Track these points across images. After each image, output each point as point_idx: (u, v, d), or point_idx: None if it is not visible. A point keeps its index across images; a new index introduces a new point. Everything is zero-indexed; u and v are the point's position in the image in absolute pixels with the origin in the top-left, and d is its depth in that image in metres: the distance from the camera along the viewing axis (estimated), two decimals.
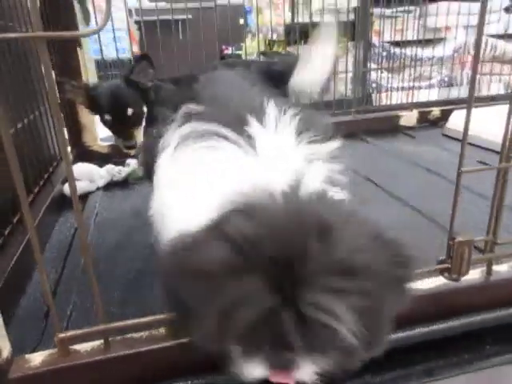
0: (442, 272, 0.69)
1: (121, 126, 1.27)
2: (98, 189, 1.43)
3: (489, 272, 0.72)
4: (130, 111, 1.25)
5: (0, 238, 0.89)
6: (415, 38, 2.63)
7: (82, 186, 1.37)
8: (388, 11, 2.80)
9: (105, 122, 1.28)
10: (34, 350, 0.70)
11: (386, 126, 1.95)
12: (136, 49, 5.53)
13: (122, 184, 1.47)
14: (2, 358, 0.56)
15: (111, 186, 1.46)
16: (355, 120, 1.97)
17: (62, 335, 0.58)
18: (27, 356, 0.60)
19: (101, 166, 1.49)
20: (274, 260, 0.42)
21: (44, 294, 0.55)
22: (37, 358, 0.60)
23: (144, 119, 1.30)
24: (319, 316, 0.41)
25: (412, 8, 2.80)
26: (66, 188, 1.33)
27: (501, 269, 0.74)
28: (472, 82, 0.64)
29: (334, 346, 0.44)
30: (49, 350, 0.61)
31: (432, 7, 2.88)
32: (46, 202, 1.16)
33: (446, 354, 0.67)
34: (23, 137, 1.11)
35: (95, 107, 1.27)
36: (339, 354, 0.45)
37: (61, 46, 1.55)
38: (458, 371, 0.64)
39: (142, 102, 1.29)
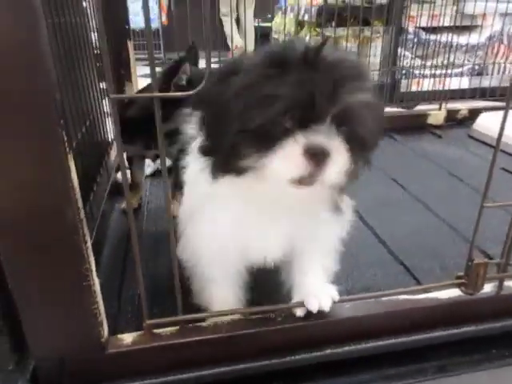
0: (459, 286, 0.81)
1: None
2: (146, 177, 1.57)
3: (500, 287, 0.84)
4: None
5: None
6: (450, 25, 2.64)
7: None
8: None
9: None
10: (115, 329, 0.86)
11: (414, 124, 2.03)
12: (164, 18, 5.55)
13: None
14: (104, 337, 0.72)
15: (158, 173, 1.60)
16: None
17: (149, 322, 0.73)
18: (120, 336, 0.76)
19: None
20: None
21: (139, 286, 0.70)
22: (128, 338, 0.75)
23: None
24: (348, 96, 0.56)
25: None
26: (119, 176, 1.48)
27: (511, 284, 0.86)
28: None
29: (359, 125, 0.58)
30: (137, 332, 0.76)
31: None
32: (106, 189, 1.30)
33: (458, 354, 0.81)
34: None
35: None
36: (358, 140, 0.59)
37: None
38: (467, 370, 0.77)
39: None
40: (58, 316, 0.68)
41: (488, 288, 0.84)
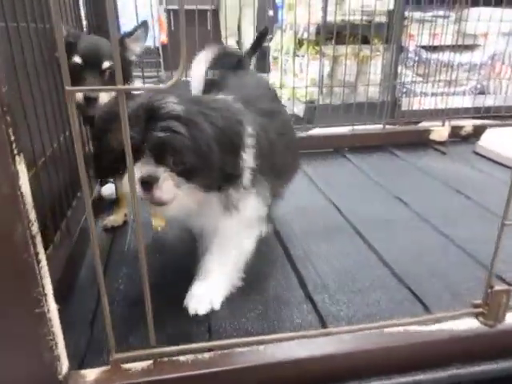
0: (476, 316, 0.71)
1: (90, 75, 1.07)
2: None
3: None
4: (106, 64, 1.09)
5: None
6: (450, 43, 2.60)
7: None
8: (423, 15, 2.76)
9: (73, 67, 1.06)
10: (82, 361, 0.75)
11: (416, 140, 1.95)
12: (164, 37, 5.56)
13: None
14: (62, 373, 0.61)
15: None
16: (385, 132, 1.97)
17: (117, 356, 0.63)
18: (82, 372, 0.65)
19: None
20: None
21: (105, 317, 0.59)
22: (91, 375, 0.64)
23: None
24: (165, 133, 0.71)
25: (445, 13, 2.77)
26: (104, 190, 1.38)
27: None
28: None
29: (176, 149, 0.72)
30: (102, 368, 0.65)
31: (470, 12, 2.81)
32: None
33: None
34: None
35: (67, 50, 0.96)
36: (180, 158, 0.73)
37: None
38: None
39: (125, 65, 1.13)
40: (7, 349, 0.57)
41: (511, 318, 0.73)
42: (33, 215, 0.53)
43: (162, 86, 0.46)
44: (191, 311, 0.89)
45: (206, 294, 0.91)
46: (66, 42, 1.01)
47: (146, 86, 0.57)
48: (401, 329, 0.70)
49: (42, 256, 0.55)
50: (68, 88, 0.47)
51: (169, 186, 0.75)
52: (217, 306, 0.90)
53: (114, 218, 1.27)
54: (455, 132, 1.98)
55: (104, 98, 1.05)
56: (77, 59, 1.06)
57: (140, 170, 0.73)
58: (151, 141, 0.72)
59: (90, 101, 1.05)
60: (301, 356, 0.65)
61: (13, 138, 0.49)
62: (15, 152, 0.49)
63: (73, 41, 1.08)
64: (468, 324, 0.72)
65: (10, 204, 0.50)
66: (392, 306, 0.91)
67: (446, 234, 1.20)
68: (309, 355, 0.66)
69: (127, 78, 1.15)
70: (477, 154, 1.84)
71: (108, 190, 1.39)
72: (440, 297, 0.93)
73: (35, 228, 0.54)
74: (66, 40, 1.05)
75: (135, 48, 1.17)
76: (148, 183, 0.74)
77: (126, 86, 0.47)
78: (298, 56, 3.56)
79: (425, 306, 0.90)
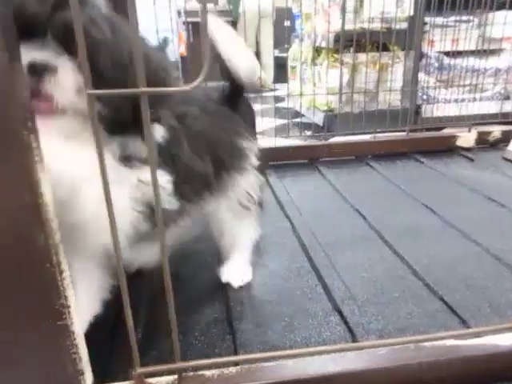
0: None
1: None
2: None
3: None
4: None
5: None
6: (472, 48, 2.55)
7: None
8: (445, 20, 2.72)
9: None
10: (104, 375, 0.73)
11: (442, 147, 1.89)
12: (182, 49, 5.64)
13: None
14: None
15: None
16: (409, 139, 1.92)
17: (140, 370, 0.60)
18: None
19: None
20: None
21: (129, 332, 0.57)
22: None
23: None
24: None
25: (469, 18, 2.72)
26: None
27: None
28: None
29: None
30: (126, 382, 0.63)
31: (495, 16, 2.74)
32: None
33: None
34: None
35: None
36: None
37: None
38: None
39: None
40: (30, 363, 0.56)
41: None
42: (55, 224, 0.52)
43: (186, 87, 0.44)
44: (236, 284, 0.98)
45: (241, 266, 1.00)
46: None
47: (170, 88, 0.55)
48: (439, 343, 0.65)
49: (65, 266, 0.54)
50: (89, 91, 0.45)
51: (69, 83, 0.55)
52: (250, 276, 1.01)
53: None
54: (482, 138, 1.92)
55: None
56: None
57: (32, 53, 0.53)
58: (60, 19, 0.53)
59: None
60: (334, 371, 0.62)
61: (35, 145, 0.47)
62: (37, 159, 0.48)
63: None
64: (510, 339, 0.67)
65: (33, 212, 0.49)
66: (425, 319, 0.87)
67: (479, 243, 1.14)
68: (342, 370, 0.62)
69: None
70: (506, 160, 1.77)
71: None
72: (478, 309, 0.87)
73: (58, 238, 0.52)
74: None
75: None
76: (39, 72, 0.53)
77: (149, 89, 0.46)
78: (315, 65, 3.55)
79: (461, 319, 0.85)
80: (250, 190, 0.93)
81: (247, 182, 0.92)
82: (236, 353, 0.79)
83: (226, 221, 0.94)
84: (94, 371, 0.63)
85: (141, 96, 0.46)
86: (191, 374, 0.64)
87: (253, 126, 1.00)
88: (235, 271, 1.00)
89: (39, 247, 0.50)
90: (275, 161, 1.71)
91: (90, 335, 0.64)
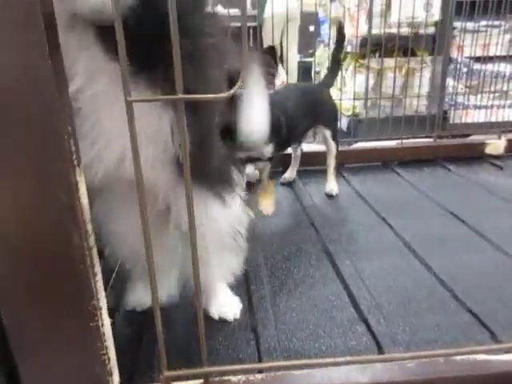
0: None
1: None
2: None
3: None
4: None
5: None
6: (505, 54, 2.49)
7: None
8: (475, 25, 2.67)
9: None
10: (130, 377, 0.74)
11: (470, 154, 1.85)
12: None
13: None
14: None
15: None
16: (436, 145, 1.89)
17: (168, 374, 0.61)
18: None
19: None
20: None
21: (158, 335, 0.58)
22: None
23: None
24: None
25: (500, 23, 2.66)
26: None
27: None
28: None
29: None
30: None
31: None
32: None
33: None
34: None
35: None
36: None
37: None
38: None
39: None
40: (59, 362, 0.57)
41: None
42: (90, 227, 0.53)
43: (223, 94, 0.45)
44: (232, 317, 0.91)
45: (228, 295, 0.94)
46: None
47: (207, 95, 0.55)
48: (470, 358, 0.64)
49: (98, 269, 0.55)
50: (129, 99, 0.46)
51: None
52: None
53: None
54: None
55: None
56: None
57: None
58: None
59: None
60: (361, 382, 0.61)
61: (73, 149, 0.49)
62: (75, 163, 0.49)
63: None
64: None
65: (69, 213, 0.50)
66: (454, 331, 0.85)
67: (509, 254, 1.11)
68: (369, 382, 0.61)
69: None
70: None
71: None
72: (509, 323, 0.85)
73: (92, 240, 0.53)
74: None
75: None
76: None
77: (186, 96, 0.46)
78: (341, 70, 3.53)
79: (491, 333, 0.83)
80: None
81: None
82: (260, 358, 0.79)
83: None
84: (120, 373, 0.64)
85: (177, 102, 0.46)
86: (217, 378, 0.64)
87: None
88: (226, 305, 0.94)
89: (75, 247, 0.51)
90: (300, 166, 1.71)
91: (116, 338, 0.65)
